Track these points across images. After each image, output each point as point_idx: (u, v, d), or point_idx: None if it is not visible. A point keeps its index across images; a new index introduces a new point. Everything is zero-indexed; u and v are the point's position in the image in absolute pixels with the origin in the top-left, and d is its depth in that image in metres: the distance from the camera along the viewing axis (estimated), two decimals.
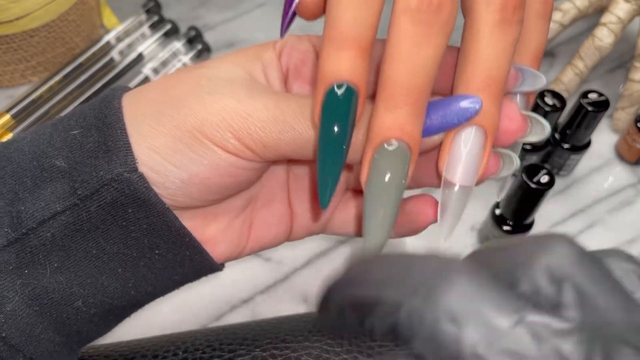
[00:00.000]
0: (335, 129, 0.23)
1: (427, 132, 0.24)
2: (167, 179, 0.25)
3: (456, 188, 0.24)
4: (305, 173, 0.31)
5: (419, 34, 0.22)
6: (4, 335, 0.24)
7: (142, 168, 0.25)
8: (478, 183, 0.25)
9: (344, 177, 0.32)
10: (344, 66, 0.22)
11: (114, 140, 0.25)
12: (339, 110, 0.23)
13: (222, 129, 0.24)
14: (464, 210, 0.25)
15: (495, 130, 0.24)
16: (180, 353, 0.32)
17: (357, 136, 0.24)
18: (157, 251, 0.26)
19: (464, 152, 0.24)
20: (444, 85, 0.26)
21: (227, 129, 0.24)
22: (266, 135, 0.24)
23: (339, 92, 0.22)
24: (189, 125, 0.24)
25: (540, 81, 0.25)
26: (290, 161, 0.31)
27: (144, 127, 0.25)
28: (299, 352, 0.32)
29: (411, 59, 0.22)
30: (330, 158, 0.23)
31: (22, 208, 0.25)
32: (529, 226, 0.44)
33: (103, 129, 0.25)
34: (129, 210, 0.25)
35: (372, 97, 0.24)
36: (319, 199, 0.24)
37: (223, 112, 0.24)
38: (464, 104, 0.23)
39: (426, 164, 0.27)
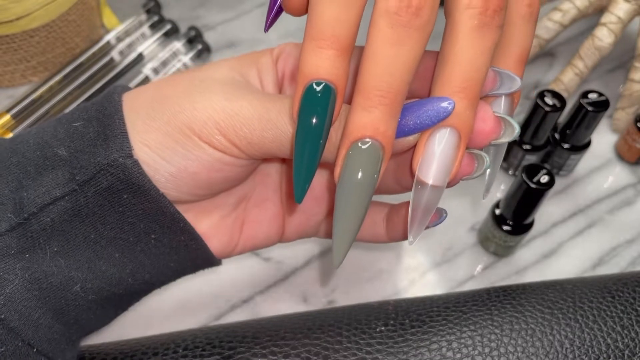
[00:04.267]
0: (312, 125, 0.23)
1: (401, 132, 0.24)
2: (157, 172, 0.26)
3: (428, 188, 0.25)
4: None
5: (397, 36, 0.22)
6: (2, 317, 0.25)
7: None
8: (451, 184, 0.26)
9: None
10: (323, 65, 0.23)
11: (112, 128, 0.26)
12: (317, 108, 0.23)
13: (209, 126, 0.25)
14: (434, 210, 0.26)
15: (469, 132, 0.24)
16: (180, 351, 0.32)
17: (334, 135, 0.25)
18: (153, 236, 0.27)
19: (437, 152, 0.24)
20: (424, 88, 0.26)
21: (214, 126, 0.25)
22: (250, 132, 0.25)
23: (317, 90, 0.23)
24: (179, 122, 0.25)
25: (515, 84, 0.26)
26: (284, 164, 0.32)
27: (137, 123, 0.26)
28: (298, 350, 0.32)
29: (388, 60, 0.22)
30: (306, 153, 0.23)
31: (25, 194, 0.26)
32: (529, 226, 0.44)
33: (102, 120, 0.26)
34: (124, 196, 0.26)
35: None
36: (294, 193, 0.24)
37: (211, 109, 0.25)
38: (437, 105, 0.23)
39: (407, 165, 0.28)
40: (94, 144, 0.26)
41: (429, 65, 0.26)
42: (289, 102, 0.25)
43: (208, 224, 0.30)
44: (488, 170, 0.29)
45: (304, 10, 0.24)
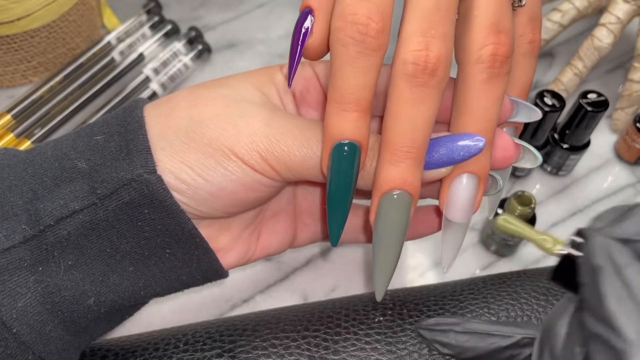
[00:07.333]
0: (343, 180, 0.25)
1: (435, 164, 0.26)
2: (196, 192, 0.26)
3: (455, 226, 0.28)
4: (311, 188, 0.34)
5: (416, 96, 0.24)
6: (14, 331, 0.25)
7: (173, 180, 0.26)
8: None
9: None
10: (347, 127, 0.25)
11: (136, 144, 0.26)
12: (344, 164, 0.25)
13: (251, 149, 0.26)
14: (463, 240, 0.29)
15: (486, 174, 0.27)
16: (181, 345, 0.32)
17: (369, 163, 0.27)
18: (168, 250, 0.28)
19: (461, 195, 0.27)
20: (445, 112, 0.28)
21: (256, 149, 0.26)
22: (291, 160, 0.27)
23: (344, 149, 0.25)
24: (221, 144, 0.26)
25: (536, 114, 0.28)
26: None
27: (176, 143, 0.26)
28: (298, 342, 0.32)
29: (410, 119, 0.24)
30: (339, 204, 0.26)
31: (41, 206, 0.26)
32: (531, 221, 0.44)
33: (125, 135, 0.26)
34: (145, 211, 0.26)
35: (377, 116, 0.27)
36: (330, 238, 0.27)
37: (254, 135, 0.26)
38: (469, 142, 0.26)
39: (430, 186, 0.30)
40: (116, 158, 0.26)
41: (448, 95, 0.28)
42: None
43: (227, 238, 0.30)
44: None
45: (324, 54, 0.26)
